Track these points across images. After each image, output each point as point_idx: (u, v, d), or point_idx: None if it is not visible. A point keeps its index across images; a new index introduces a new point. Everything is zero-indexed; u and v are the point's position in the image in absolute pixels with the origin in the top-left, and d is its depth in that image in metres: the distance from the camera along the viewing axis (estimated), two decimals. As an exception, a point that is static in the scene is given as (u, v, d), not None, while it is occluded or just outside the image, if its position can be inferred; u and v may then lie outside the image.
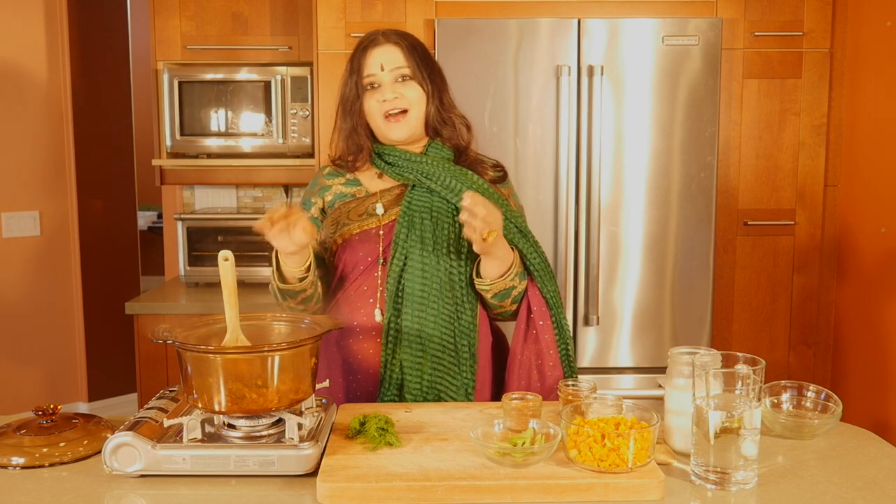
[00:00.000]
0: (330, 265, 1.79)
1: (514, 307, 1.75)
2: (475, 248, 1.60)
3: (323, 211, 1.79)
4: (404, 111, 1.71)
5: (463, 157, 1.78)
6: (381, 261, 1.70)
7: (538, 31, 2.67)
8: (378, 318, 1.69)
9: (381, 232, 1.71)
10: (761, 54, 2.79)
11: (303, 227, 1.51)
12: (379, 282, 1.70)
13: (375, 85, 1.71)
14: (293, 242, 1.53)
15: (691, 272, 2.74)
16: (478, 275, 1.69)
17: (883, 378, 2.64)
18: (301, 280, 1.65)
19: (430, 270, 1.66)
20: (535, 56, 2.67)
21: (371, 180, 1.77)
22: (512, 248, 1.69)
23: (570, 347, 1.74)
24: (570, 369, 1.74)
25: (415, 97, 1.71)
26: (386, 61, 1.70)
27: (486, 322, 1.79)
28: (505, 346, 1.86)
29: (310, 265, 1.64)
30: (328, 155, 1.84)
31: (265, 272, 3.19)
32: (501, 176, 1.82)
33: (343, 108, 1.76)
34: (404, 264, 1.67)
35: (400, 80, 1.70)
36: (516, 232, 1.71)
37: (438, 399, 1.66)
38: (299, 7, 3.11)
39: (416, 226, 1.68)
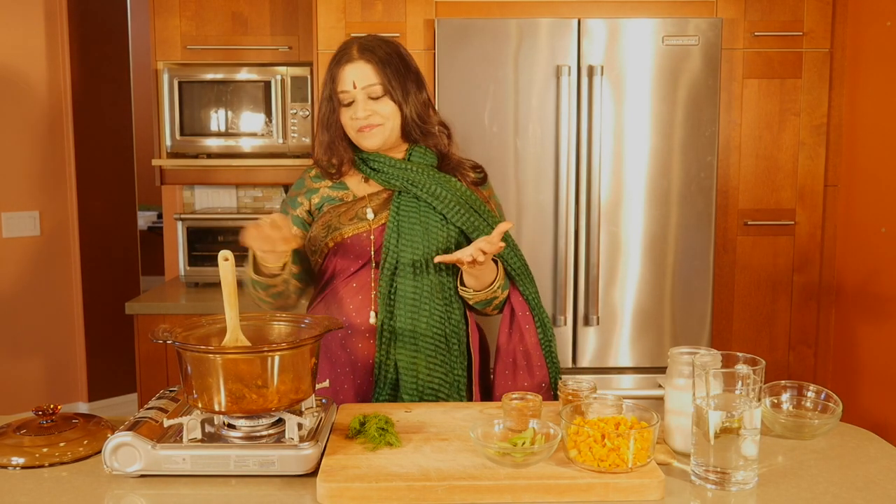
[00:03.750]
0: (317, 266, 1.81)
1: (496, 312, 1.81)
2: (464, 267, 1.63)
3: (310, 213, 1.80)
4: (379, 125, 1.72)
5: (446, 161, 1.80)
6: (374, 264, 1.73)
7: (538, 31, 2.67)
8: (372, 319, 1.72)
9: (371, 236, 1.73)
10: (761, 54, 2.79)
11: (284, 239, 1.55)
12: (372, 284, 1.73)
13: (349, 101, 1.72)
14: (273, 251, 1.58)
15: (691, 272, 2.74)
16: (462, 283, 1.73)
17: (883, 378, 2.64)
18: (274, 277, 1.67)
19: (420, 273, 1.70)
20: (535, 56, 2.67)
21: (357, 184, 1.79)
22: (494, 260, 1.73)
23: (552, 344, 1.79)
24: (554, 366, 1.78)
25: (388, 112, 1.72)
26: (358, 78, 1.70)
27: (472, 318, 1.83)
28: (485, 340, 1.91)
29: (286, 264, 1.65)
30: (312, 157, 1.87)
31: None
32: (482, 178, 1.84)
33: (322, 119, 1.78)
34: (395, 268, 1.70)
35: (373, 97, 1.71)
36: None
37: (433, 397, 1.68)
38: (299, 7, 3.11)
39: (406, 231, 1.71)
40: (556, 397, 1.66)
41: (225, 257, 1.38)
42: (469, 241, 1.73)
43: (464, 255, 1.59)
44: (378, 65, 1.70)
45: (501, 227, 1.60)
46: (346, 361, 1.74)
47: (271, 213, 3.36)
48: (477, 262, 1.59)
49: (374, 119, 1.71)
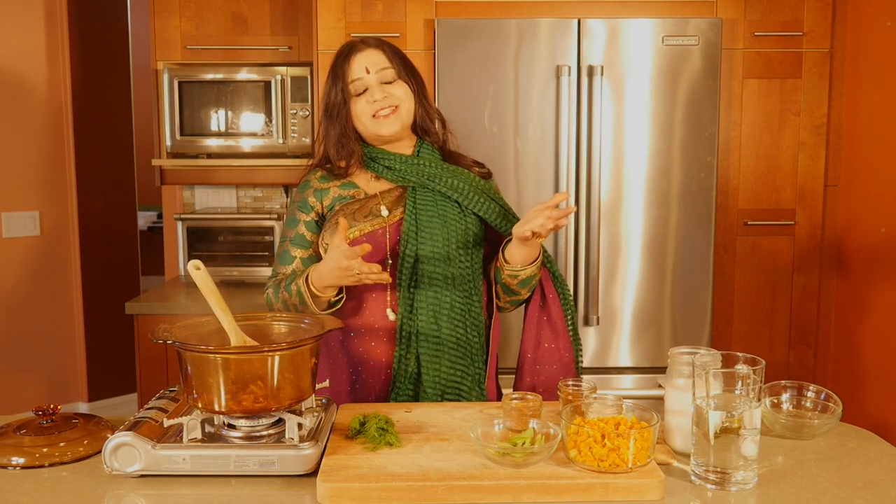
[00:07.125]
0: None
1: (528, 295, 1.79)
2: (521, 238, 1.62)
3: (322, 215, 1.79)
4: (395, 108, 1.74)
5: (450, 156, 1.83)
6: (389, 261, 1.72)
7: (538, 31, 2.67)
8: (391, 317, 1.71)
9: (387, 233, 1.72)
10: (761, 54, 2.79)
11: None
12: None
13: (362, 88, 1.74)
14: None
15: (691, 272, 2.75)
16: (506, 261, 1.72)
17: (883, 378, 2.64)
18: (336, 301, 1.68)
19: (440, 267, 1.70)
20: (535, 56, 2.67)
21: (367, 182, 1.79)
22: None
23: (574, 319, 1.80)
24: (577, 342, 1.78)
25: (402, 94, 1.75)
26: (370, 64, 1.73)
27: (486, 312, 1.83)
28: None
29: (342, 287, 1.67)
30: (314, 161, 1.86)
31: (265, 272, 3.19)
32: (487, 173, 1.87)
33: (329, 116, 1.77)
34: (415, 263, 1.70)
35: (387, 80, 1.74)
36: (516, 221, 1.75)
37: (455, 389, 1.69)
38: (299, 7, 3.11)
39: (425, 225, 1.71)
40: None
41: (196, 266, 1.38)
42: (488, 229, 1.77)
43: (535, 224, 1.59)
44: (388, 51, 1.76)
45: (557, 197, 1.63)
46: (351, 362, 1.73)
47: (270, 213, 3.35)
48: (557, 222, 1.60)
49: (390, 101, 1.73)
